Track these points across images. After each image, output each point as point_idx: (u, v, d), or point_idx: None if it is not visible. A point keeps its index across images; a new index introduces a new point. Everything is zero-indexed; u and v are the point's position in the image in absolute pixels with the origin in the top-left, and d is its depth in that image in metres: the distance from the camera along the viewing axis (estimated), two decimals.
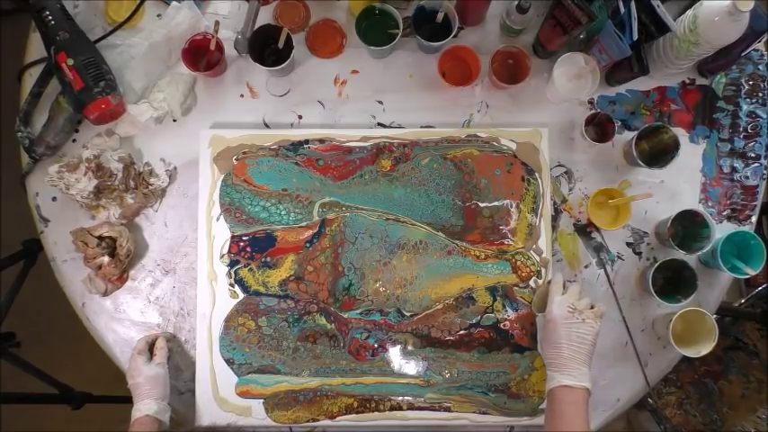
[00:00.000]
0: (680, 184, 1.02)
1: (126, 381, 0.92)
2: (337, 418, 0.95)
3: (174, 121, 1.03)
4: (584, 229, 1.01)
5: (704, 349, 0.91)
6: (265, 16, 1.01)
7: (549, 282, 0.89)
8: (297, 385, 0.96)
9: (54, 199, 1.01)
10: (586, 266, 1.00)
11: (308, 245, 0.98)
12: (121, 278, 0.99)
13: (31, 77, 1.02)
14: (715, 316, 0.96)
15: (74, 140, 1.02)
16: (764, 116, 1.03)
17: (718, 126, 1.03)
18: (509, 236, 0.98)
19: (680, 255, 0.94)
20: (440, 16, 0.97)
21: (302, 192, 0.99)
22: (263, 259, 0.98)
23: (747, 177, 1.02)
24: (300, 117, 1.03)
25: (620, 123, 1.02)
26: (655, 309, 0.99)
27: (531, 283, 0.97)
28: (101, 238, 0.96)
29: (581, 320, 0.81)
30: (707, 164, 1.02)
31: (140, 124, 1.00)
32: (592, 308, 0.84)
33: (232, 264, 0.98)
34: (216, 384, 0.96)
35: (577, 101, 1.03)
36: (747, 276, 0.93)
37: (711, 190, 1.02)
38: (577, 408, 0.78)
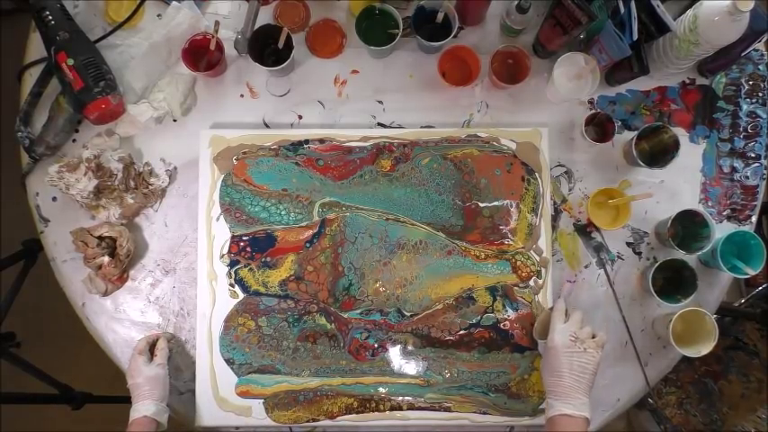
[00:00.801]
0: (680, 184, 1.02)
1: (126, 381, 0.92)
2: (337, 419, 0.95)
3: (174, 121, 1.03)
4: (584, 229, 1.01)
5: (704, 349, 0.91)
6: (265, 16, 1.01)
7: (551, 308, 0.89)
8: (297, 385, 0.96)
9: (54, 199, 1.01)
10: (586, 266, 1.00)
11: (308, 245, 0.98)
12: (121, 278, 0.99)
13: (31, 77, 1.01)
14: (715, 316, 0.96)
15: (74, 140, 1.02)
16: (764, 116, 1.03)
17: (719, 126, 1.03)
18: (509, 236, 0.98)
19: (680, 255, 0.94)
20: (440, 16, 0.97)
21: (302, 192, 0.99)
22: (263, 259, 0.98)
23: (747, 177, 1.02)
24: (300, 117, 1.03)
25: (620, 123, 1.02)
26: (655, 309, 0.99)
27: (531, 282, 0.98)
28: (101, 238, 0.96)
29: (582, 350, 0.81)
30: (707, 164, 1.02)
31: (140, 124, 1.00)
32: (593, 337, 0.84)
33: (232, 264, 0.98)
34: (216, 384, 0.96)
35: (577, 101, 1.03)
36: (747, 276, 0.93)
37: (711, 190, 1.02)
38: None
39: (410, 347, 0.97)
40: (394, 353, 0.97)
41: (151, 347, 0.95)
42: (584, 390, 0.80)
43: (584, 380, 0.80)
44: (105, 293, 0.98)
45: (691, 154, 1.02)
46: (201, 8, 1.03)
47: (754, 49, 1.01)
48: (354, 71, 1.04)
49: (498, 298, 0.97)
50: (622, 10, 0.91)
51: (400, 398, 0.96)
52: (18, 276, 1.32)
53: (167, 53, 1.01)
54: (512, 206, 0.99)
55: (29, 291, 1.32)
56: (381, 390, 0.96)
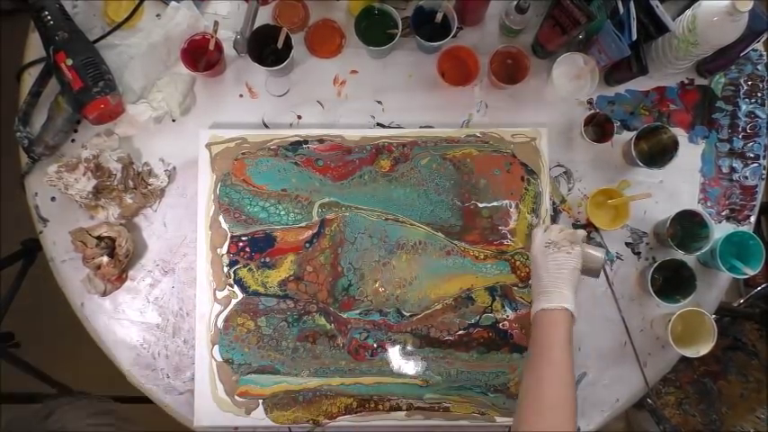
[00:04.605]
0: (679, 185, 1.02)
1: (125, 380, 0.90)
2: (337, 419, 0.95)
3: (173, 121, 1.02)
4: (584, 230, 1.01)
5: (703, 349, 0.91)
6: (264, 16, 1.01)
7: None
8: (296, 385, 0.96)
9: (53, 199, 1.01)
10: None
11: (307, 245, 0.98)
12: (120, 278, 0.98)
13: (30, 77, 1.01)
14: (714, 316, 0.96)
15: (73, 140, 1.02)
16: (763, 116, 1.03)
17: (717, 126, 1.03)
18: (508, 236, 0.98)
19: (679, 255, 0.94)
20: (439, 16, 0.97)
21: (302, 192, 0.99)
22: (262, 259, 0.97)
23: (746, 177, 1.02)
24: (300, 117, 1.03)
25: (619, 123, 1.02)
26: (654, 309, 0.99)
27: (531, 282, 0.97)
28: (100, 238, 0.96)
29: (557, 250, 0.81)
30: (706, 164, 1.02)
31: (139, 124, 1.00)
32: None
33: (231, 264, 0.97)
34: (215, 384, 0.95)
35: (576, 101, 1.03)
36: (746, 276, 0.93)
37: (710, 190, 1.02)
38: (554, 328, 0.77)
39: (409, 348, 0.97)
40: (393, 353, 0.97)
41: None
42: (564, 284, 0.79)
43: (561, 275, 0.79)
44: (104, 293, 0.98)
45: (690, 154, 1.02)
46: (200, 8, 1.03)
47: (753, 50, 1.01)
48: (353, 71, 1.04)
49: (497, 298, 0.97)
50: (621, 10, 0.91)
51: (400, 398, 0.96)
52: (17, 276, 1.32)
53: (166, 53, 1.01)
54: (511, 206, 0.99)
55: (28, 291, 1.32)
56: (381, 390, 0.96)
